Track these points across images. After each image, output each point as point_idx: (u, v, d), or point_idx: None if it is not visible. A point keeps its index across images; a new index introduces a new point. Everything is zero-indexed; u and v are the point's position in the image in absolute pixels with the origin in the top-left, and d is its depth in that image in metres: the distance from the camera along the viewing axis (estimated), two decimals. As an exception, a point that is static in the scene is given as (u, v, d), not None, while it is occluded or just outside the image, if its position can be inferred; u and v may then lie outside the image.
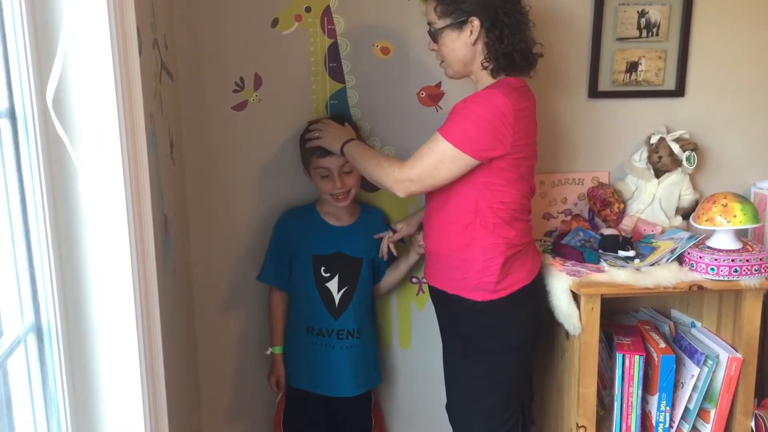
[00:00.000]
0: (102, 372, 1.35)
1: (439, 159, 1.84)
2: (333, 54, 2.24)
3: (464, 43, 1.87)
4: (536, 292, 2.01)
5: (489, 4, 1.83)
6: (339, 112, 2.26)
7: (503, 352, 1.97)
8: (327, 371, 2.24)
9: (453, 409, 2.11)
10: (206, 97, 2.23)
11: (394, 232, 2.27)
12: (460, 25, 1.85)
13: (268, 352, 2.31)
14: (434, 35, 1.91)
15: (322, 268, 2.22)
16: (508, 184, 1.88)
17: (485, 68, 1.89)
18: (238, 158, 2.28)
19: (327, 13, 2.21)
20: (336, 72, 2.25)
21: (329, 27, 2.22)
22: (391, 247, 2.26)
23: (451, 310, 2.05)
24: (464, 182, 1.89)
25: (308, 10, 2.20)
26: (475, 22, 1.84)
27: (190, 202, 2.29)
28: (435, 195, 1.97)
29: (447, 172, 1.85)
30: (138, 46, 1.37)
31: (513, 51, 1.85)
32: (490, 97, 1.81)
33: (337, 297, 2.23)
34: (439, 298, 2.07)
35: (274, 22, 2.20)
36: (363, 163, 1.99)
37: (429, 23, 1.92)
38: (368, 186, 2.30)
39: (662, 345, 2.12)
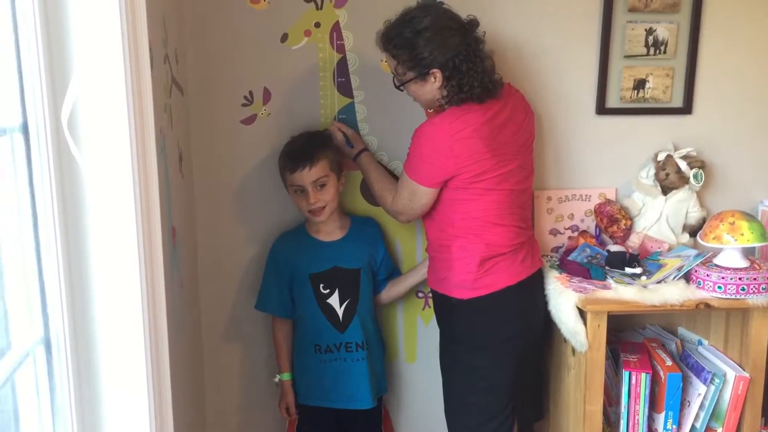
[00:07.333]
0: (109, 384, 1.35)
1: (409, 192, 2.02)
2: (342, 69, 2.26)
3: (430, 89, 1.96)
4: (523, 295, 2.05)
5: (446, 52, 1.88)
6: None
7: (481, 350, 2.04)
8: (342, 385, 2.24)
9: (445, 406, 2.16)
10: (215, 111, 2.24)
11: None
12: (423, 76, 1.93)
13: (276, 380, 2.30)
14: (400, 87, 2.00)
15: (321, 285, 2.22)
16: (475, 197, 1.98)
17: (442, 105, 1.99)
18: (246, 171, 2.29)
19: (336, 28, 2.23)
20: (344, 87, 2.27)
21: (338, 42, 2.24)
22: None
23: (439, 308, 2.16)
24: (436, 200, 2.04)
25: (317, 25, 2.22)
26: (438, 74, 1.91)
27: (198, 214, 2.30)
28: None
29: (419, 201, 2.02)
30: (150, 61, 1.38)
31: (471, 94, 1.92)
32: (424, 130, 1.97)
33: (340, 311, 2.23)
34: (435, 298, 2.17)
35: (284, 37, 2.22)
36: (372, 180, 2.18)
37: (392, 74, 2.00)
38: (371, 199, 2.31)
39: (669, 363, 2.11)
